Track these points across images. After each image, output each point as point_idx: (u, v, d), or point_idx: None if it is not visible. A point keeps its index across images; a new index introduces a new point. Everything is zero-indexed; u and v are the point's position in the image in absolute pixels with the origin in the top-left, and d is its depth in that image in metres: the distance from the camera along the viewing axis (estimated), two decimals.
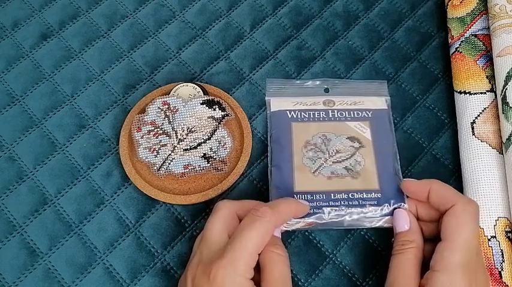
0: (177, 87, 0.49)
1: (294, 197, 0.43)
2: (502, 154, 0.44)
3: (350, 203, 0.43)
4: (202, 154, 0.46)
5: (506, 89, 0.44)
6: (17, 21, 0.54)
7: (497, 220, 0.42)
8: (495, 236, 0.42)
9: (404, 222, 0.40)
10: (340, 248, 0.45)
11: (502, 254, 0.42)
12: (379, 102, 0.49)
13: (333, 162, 0.45)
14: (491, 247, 0.42)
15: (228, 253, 0.35)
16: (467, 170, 0.45)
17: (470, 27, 0.50)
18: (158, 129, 0.47)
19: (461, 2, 0.51)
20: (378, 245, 0.45)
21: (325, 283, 0.44)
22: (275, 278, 0.37)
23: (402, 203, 0.42)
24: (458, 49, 0.49)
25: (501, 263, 0.41)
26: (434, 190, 0.40)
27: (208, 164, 0.46)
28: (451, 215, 0.38)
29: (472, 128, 0.46)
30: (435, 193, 0.39)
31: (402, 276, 0.37)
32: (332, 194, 0.43)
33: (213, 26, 0.54)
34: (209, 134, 0.47)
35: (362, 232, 0.45)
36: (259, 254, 0.37)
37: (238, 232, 0.36)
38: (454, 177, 0.47)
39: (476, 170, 0.44)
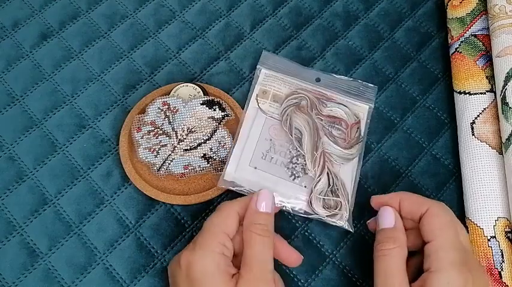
0: (177, 87, 0.49)
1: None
2: (502, 154, 0.44)
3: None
4: (202, 154, 0.46)
5: (505, 89, 0.44)
6: (17, 21, 0.54)
7: (497, 220, 0.42)
8: (495, 237, 0.42)
9: (390, 219, 0.40)
10: (340, 248, 0.45)
11: (502, 254, 0.42)
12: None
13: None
14: (491, 247, 0.42)
15: (196, 237, 0.38)
16: (467, 171, 0.45)
17: (470, 28, 0.50)
18: (158, 129, 0.47)
19: (461, 3, 0.51)
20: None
21: (325, 283, 0.44)
22: (251, 258, 0.37)
23: None
24: (458, 49, 0.49)
25: (501, 264, 0.41)
26: (405, 199, 0.40)
27: (208, 165, 0.46)
28: (431, 216, 0.38)
29: (472, 129, 0.46)
30: (406, 202, 0.40)
31: (392, 282, 0.37)
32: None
33: (213, 26, 0.54)
34: (209, 135, 0.47)
35: (362, 233, 0.45)
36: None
37: (205, 221, 0.39)
38: (454, 177, 0.48)
39: (475, 171, 0.44)
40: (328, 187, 0.45)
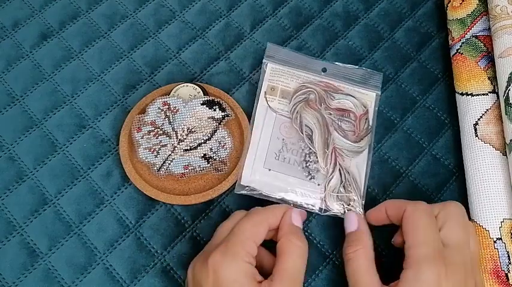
0: (177, 87, 0.49)
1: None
2: (506, 155, 0.44)
3: None
4: (202, 154, 0.46)
5: (509, 90, 0.44)
6: (17, 21, 0.54)
7: (503, 221, 0.42)
8: (501, 238, 0.42)
9: (352, 223, 0.41)
10: (341, 248, 0.45)
11: (508, 256, 0.41)
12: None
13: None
14: (497, 249, 0.42)
15: (224, 241, 0.38)
16: (471, 172, 0.45)
17: (470, 29, 0.50)
18: (158, 129, 0.47)
19: (461, 4, 0.51)
20: (378, 246, 0.45)
21: (325, 283, 0.44)
22: (287, 267, 0.38)
23: None
24: (459, 50, 0.49)
25: (507, 266, 0.41)
26: (388, 206, 0.41)
27: (208, 165, 0.46)
28: (405, 217, 0.39)
29: (475, 130, 0.46)
30: (389, 209, 0.41)
31: (361, 281, 0.38)
32: None
33: (213, 26, 0.54)
34: (209, 135, 0.47)
35: None
36: (277, 243, 0.39)
37: (235, 226, 0.39)
38: (454, 177, 0.48)
39: (480, 172, 0.44)
40: (341, 183, 0.45)
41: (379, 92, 0.50)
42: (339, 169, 0.46)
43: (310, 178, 0.46)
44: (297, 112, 0.47)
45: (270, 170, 0.46)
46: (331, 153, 0.46)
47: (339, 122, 0.48)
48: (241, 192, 0.46)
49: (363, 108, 0.48)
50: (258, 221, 0.39)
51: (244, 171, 0.46)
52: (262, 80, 0.50)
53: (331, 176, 0.45)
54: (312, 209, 0.45)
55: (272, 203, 0.44)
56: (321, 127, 0.47)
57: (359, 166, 0.47)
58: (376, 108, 0.49)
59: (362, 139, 0.47)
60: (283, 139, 0.47)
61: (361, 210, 0.45)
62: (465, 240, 0.38)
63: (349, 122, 0.48)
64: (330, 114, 0.48)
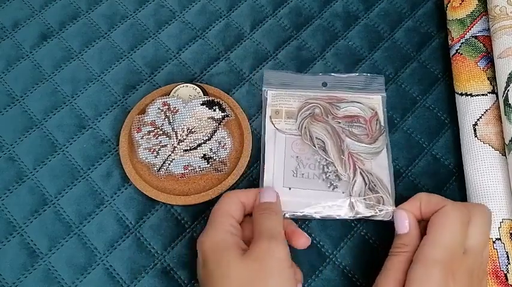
0: (177, 87, 0.49)
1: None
2: (505, 155, 0.44)
3: None
4: (202, 155, 0.46)
5: (508, 90, 0.44)
6: (17, 21, 0.54)
7: (502, 222, 0.42)
8: (500, 239, 0.42)
9: (403, 225, 0.40)
10: (340, 248, 0.45)
11: (507, 256, 0.41)
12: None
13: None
14: (496, 249, 0.42)
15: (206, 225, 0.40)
16: (470, 173, 0.45)
17: (470, 29, 0.50)
18: (158, 129, 0.47)
19: (460, 4, 0.51)
20: (378, 246, 0.45)
21: (325, 283, 0.44)
22: (259, 230, 0.39)
23: None
24: (458, 51, 0.49)
25: (507, 266, 0.41)
26: (423, 201, 0.40)
27: (208, 165, 0.46)
28: (440, 213, 0.38)
29: (474, 130, 0.46)
30: (425, 203, 0.40)
31: (388, 277, 0.38)
32: None
33: (213, 27, 0.54)
34: (209, 135, 0.47)
35: (362, 233, 0.45)
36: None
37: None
38: (454, 177, 0.48)
39: (479, 172, 0.44)
40: (365, 185, 0.45)
41: (384, 94, 0.50)
42: (360, 173, 0.45)
43: (333, 188, 0.45)
44: (305, 127, 0.47)
45: (290, 188, 0.46)
46: (348, 158, 0.46)
47: (350, 129, 0.47)
48: None
49: (371, 111, 0.48)
50: (230, 200, 0.41)
51: None
52: (265, 106, 0.49)
53: (353, 181, 0.45)
54: (342, 219, 0.45)
55: (297, 220, 0.45)
56: (332, 136, 0.46)
57: (381, 165, 0.46)
58: (385, 109, 0.49)
59: (377, 140, 0.47)
60: (297, 157, 0.47)
61: (391, 208, 0.44)
62: (483, 247, 0.38)
63: (360, 126, 0.48)
64: (339, 123, 0.47)
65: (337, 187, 0.45)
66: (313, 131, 0.47)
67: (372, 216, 0.44)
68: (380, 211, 0.44)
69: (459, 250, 0.37)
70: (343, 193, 0.45)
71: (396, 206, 0.43)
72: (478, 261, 0.38)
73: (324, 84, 0.50)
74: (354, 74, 0.51)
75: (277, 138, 0.48)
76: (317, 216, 0.45)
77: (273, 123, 0.48)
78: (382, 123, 0.48)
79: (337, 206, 0.45)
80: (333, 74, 0.51)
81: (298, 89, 0.50)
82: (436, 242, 0.37)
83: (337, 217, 0.45)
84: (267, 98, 0.50)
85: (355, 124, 0.48)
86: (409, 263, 0.37)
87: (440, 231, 0.37)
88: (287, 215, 0.44)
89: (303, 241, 0.41)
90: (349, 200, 0.45)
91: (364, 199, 0.44)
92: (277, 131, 0.48)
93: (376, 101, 0.49)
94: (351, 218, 0.45)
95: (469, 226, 0.38)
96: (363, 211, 0.44)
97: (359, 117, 0.48)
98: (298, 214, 0.45)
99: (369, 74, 0.51)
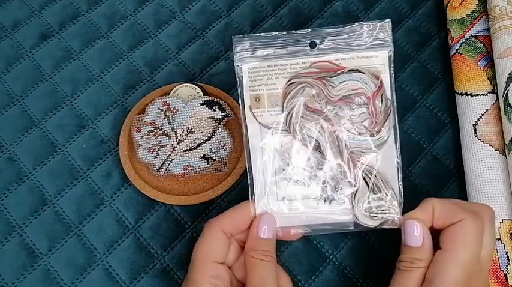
0: (177, 87, 0.49)
1: None
2: (505, 155, 0.44)
3: None
4: (202, 155, 0.46)
5: (508, 90, 0.44)
6: (17, 21, 0.54)
7: (502, 222, 0.42)
8: (500, 239, 0.42)
9: (417, 238, 0.36)
10: (340, 249, 0.45)
11: (507, 256, 0.41)
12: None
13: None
14: (496, 249, 0.42)
15: (187, 276, 0.37)
16: (470, 172, 0.45)
17: (470, 29, 0.50)
18: (158, 129, 0.47)
19: (460, 4, 0.51)
20: (378, 246, 0.45)
21: (325, 284, 0.44)
22: (253, 283, 0.36)
23: None
24: (458, 51, 0.49)
25: (506, 266, 0.41)
26: (437, 208, 0.37)
27: (208, 165, 0.46)
28: (460, 227, 0.35)
29: (475, 130, 0.46)
30: (439, 211, 0.37)
31: None
32: None
33: (213, 27, 0.54)
34: (209, 135, 0.47)
35: (362, 233, 0.45)
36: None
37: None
38: (454, 177, 0.47)
39: (479, 172, 0.44)
40: (369, 190, 0.39)
41: (392, 48, 0.40)
42: (363, 176, 0.39)
43: (330, 202, 0.40)
44: (294, 123, 0.39)
45: (284, 199, 0.40)
46: (348, 161, 0.39)
47: (348, 115, 0.39)
48: None
49: (375, 81, 0.39)
50: (210, 237, 0.37)
51: (259, 210, 0.39)
52: (241, 92, 0.40)
53: (355, 189, 0.39)
54: (346, 230, 0.40)
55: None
56: (329, 135, 0.39)
57: (387, 156, 0.39)
58: (392, 72, 0.40)
59: (382, 126, 0.39)
60: (288, 161, 0.39)
61: (399, 215, 0.39)
62: (492, 254, 0.37)
63: (361, 107, 0.39)
64: (334, 108, 0.39)
65: (335, 200, 0.40)
66: (304, 127, 0.39)
67: (379, 225, 0.39)
68: (386, 221, 0.39)
69: (477, 267, 0.35)
70: (343, 202, 0.39)
71: (402, 206, 0.39)
72: (482, 273, 0.36)
73: (313, 45, 0.39)
74: (350, 24, 0.40)
75: (262, 134, 0.40)
76: (318, 228, 0.40)
77: (254, 115, 0.40)
78: (389, 97, 0.40)
79: (340, 216, 0.39)
80: (323, 28, 0.40)
81: (279, 58, 0.39)
82: (458, 261, 0.34)
83: (342, 230, 0.40)
84: (242, 77, 0.40)
85: (354, 107, 0.40)
86: (423, 280, 0.35)
87: (463, 251, 0.34)
88: (285, 229, 0.40)
89: (292, 233, 0.40)
90: (351, 214, 0.39)
91: (367, 207, 0.39)
92: (261, 127, 0.40)
93: (380, 60, 0.40)
94: (356, 229, 0.40)
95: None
96: (367, 222, 0.39)
97: (359, 95, 0.39)
98: (297, 226, 0.40)
99: (369, 22, 0.39)
